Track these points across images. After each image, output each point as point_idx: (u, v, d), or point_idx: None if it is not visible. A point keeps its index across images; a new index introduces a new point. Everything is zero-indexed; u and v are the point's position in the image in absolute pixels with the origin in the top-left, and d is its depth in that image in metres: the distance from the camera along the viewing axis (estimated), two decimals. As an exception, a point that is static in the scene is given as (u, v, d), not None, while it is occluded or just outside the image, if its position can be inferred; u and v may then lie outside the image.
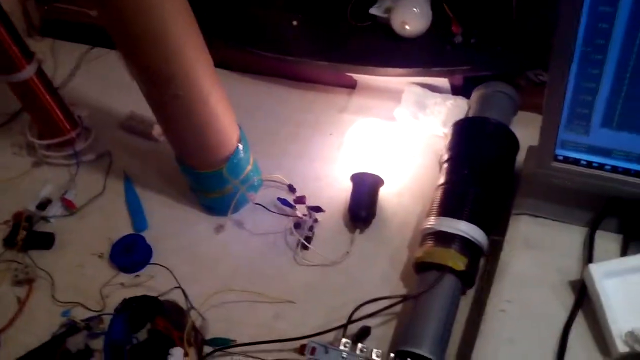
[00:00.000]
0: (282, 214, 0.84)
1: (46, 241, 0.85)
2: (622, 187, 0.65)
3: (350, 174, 0.84)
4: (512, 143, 0.79)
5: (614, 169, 0.64)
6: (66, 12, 1.15)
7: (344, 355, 0.66)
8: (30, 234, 0.85)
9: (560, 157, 0.66)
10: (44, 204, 0.89)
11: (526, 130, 0.78)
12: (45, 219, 0.88)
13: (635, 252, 0.66)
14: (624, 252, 0.68)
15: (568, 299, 0.66)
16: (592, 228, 0.70)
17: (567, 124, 0.62)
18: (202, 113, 0.72)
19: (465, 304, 0.72)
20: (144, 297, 0.74)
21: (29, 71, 0.86)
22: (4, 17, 0.82)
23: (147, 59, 0.65)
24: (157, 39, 0.63)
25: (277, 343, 0.72)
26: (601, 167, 0.65)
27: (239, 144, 0.80)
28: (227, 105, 0.77)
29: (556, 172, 0.67)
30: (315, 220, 0.83)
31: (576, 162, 0.66)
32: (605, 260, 0.65)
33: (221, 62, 0.72)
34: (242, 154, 0.80)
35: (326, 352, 0.66)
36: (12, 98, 1.00)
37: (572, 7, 0.52)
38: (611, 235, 0.69)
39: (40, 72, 0.89)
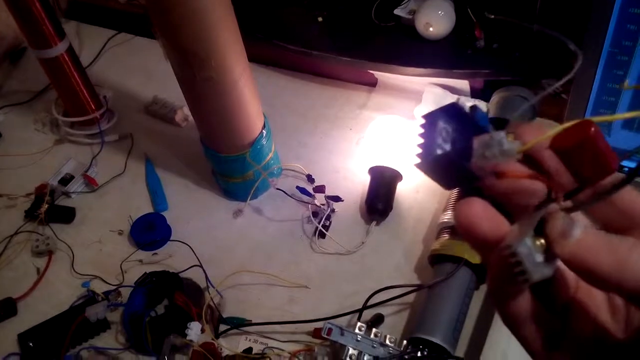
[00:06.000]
0: (301, 202, 0.86)
1: (67, 215, 0.86)
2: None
3: (369, 168, 0.86)
4: (530, 145, 0.81)
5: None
6: (95, -3, 1.17)
7: (359, 338, 0.67)
8: (52, 207, 0.86)
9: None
10: (66, 180, 0.90)
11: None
12: (67, 194, 0.89)
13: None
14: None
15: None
16: (605, 230, 0.72)
17: (590, 124, 0.64)
18: (232, 96, 0.74)
19: (478, 299, 0.74)
20: (164, 272, 0.75)
21: (60, 48, 0.88)
22: (41, -7, 0.84)
23: (186, 40, 0.67)
24: (198, 20, 0.65)
25: (292, 325, 0.73)
26: (619, 169, 0.67)
27: (263, 130, 0.81)
28: (255, 91, 0.78)
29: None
30: (333, 210, 0.84)
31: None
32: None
33: (246, 54, 0.74)
34: (265, 141, 0.82)
35: (342, 334, 0.67)
36: (36, 77, 1.02)
37: (603, 7, 0.54)
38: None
39: (70, 51, 0.90)
